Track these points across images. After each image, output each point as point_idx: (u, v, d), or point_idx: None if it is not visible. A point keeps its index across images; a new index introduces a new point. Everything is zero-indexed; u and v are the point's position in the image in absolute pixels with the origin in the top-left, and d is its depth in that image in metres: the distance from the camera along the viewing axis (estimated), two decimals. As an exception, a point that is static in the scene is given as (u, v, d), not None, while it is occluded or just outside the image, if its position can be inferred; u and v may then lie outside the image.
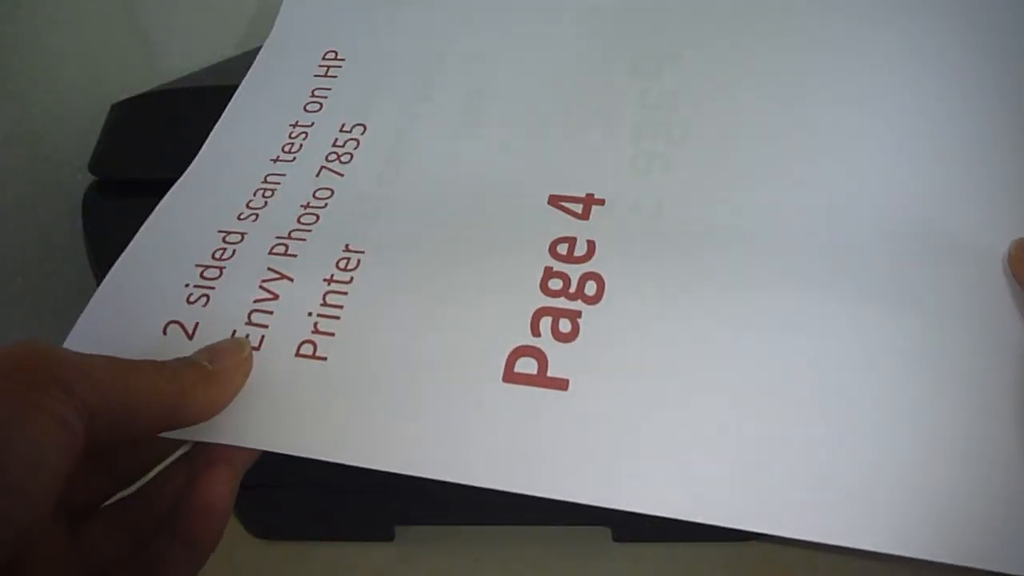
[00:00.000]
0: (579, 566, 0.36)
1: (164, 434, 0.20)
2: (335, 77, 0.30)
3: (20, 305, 0.39)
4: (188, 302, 0.23)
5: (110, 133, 0.35)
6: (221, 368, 0.20)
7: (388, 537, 0.37)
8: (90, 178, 0.34)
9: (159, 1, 0.48)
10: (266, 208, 0.26)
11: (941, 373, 0.20)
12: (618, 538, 0.37)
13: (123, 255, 0.25)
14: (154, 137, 0.34)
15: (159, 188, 0.27)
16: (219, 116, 0.30)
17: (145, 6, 0.48)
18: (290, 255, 0.24)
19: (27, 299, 0.39)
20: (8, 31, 0.36)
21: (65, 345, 0.22)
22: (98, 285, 0.24)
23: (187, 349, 0.21)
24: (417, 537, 0.38)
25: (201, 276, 0.24)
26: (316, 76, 0.30)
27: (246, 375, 0.21)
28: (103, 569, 0.20)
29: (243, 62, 0.33)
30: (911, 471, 0.19)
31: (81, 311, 0.23)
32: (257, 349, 0.22)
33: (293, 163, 0.27)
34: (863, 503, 0.18)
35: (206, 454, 0.20)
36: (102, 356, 0.18)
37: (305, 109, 0.29)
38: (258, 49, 0.33)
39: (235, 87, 0.31)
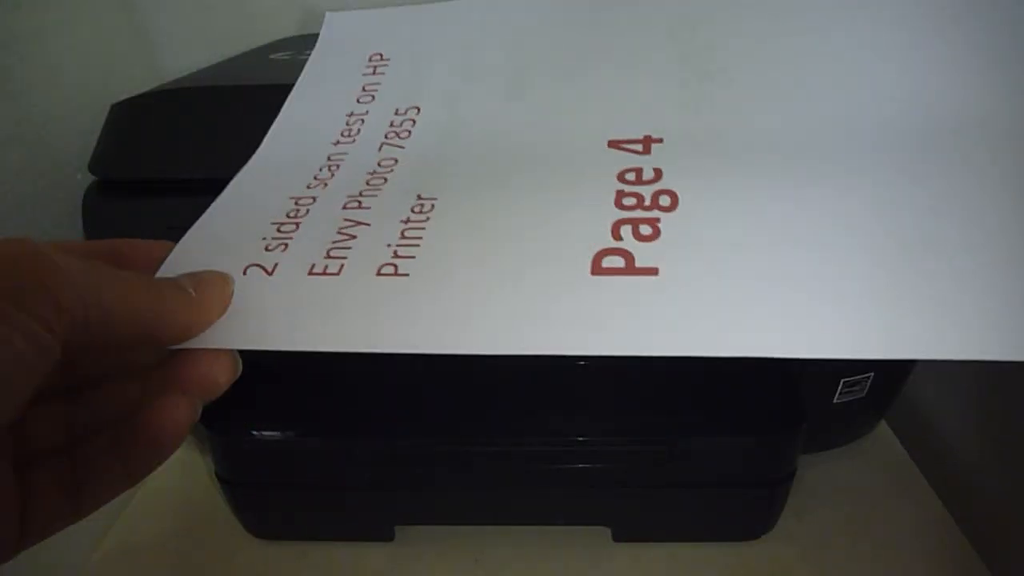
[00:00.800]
0: (579, 566, 0.36)
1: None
2: (383, 74, 0.32)
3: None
4: (266, 250, 0.23)
5: (110, 133, 0.35)
6: (203, 296, 0.20)
7: (388, 537, 0.37)
8: (90, 178, 0.34)
9: (159, 1, 0.48)
10: (334, 179, 0.27)
11: (986, 221, 0.21)
12: (618, 538, 0.37)
13: (195, 224, 0.25)
14: (154, 137, 0.34)
15: (159, 188, 0.27)
16: (219, 116, 0.30)
17: (145, 6, 0.48)
18: (364, 208, 0.25)
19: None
20: (8, 31, 0.36)
21: None
22: None
23: (267, 284, 0.22)
24: (417, 537, 0.38)
25: (278, 231, 0.24)
26: (365, 75, 0.32)
27: (224, 310, 0.21)
28: (36, 454, 0.20)
29: (242, 62, 0.33)
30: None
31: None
32: (337, 275, 0.22)
33: (354, 144, 0.29)
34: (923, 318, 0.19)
35: (163, 378, 0.20)
36: (84, 260, 0.18)
37: (358, 101, 0.31)
38: (257, 49, 0.33)
39: (235, 87, 0.31)
